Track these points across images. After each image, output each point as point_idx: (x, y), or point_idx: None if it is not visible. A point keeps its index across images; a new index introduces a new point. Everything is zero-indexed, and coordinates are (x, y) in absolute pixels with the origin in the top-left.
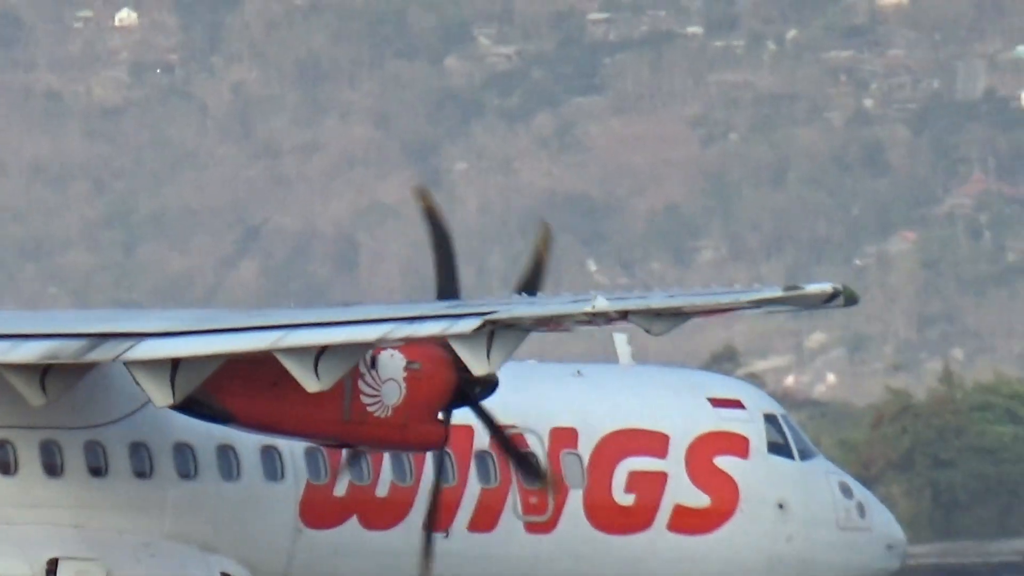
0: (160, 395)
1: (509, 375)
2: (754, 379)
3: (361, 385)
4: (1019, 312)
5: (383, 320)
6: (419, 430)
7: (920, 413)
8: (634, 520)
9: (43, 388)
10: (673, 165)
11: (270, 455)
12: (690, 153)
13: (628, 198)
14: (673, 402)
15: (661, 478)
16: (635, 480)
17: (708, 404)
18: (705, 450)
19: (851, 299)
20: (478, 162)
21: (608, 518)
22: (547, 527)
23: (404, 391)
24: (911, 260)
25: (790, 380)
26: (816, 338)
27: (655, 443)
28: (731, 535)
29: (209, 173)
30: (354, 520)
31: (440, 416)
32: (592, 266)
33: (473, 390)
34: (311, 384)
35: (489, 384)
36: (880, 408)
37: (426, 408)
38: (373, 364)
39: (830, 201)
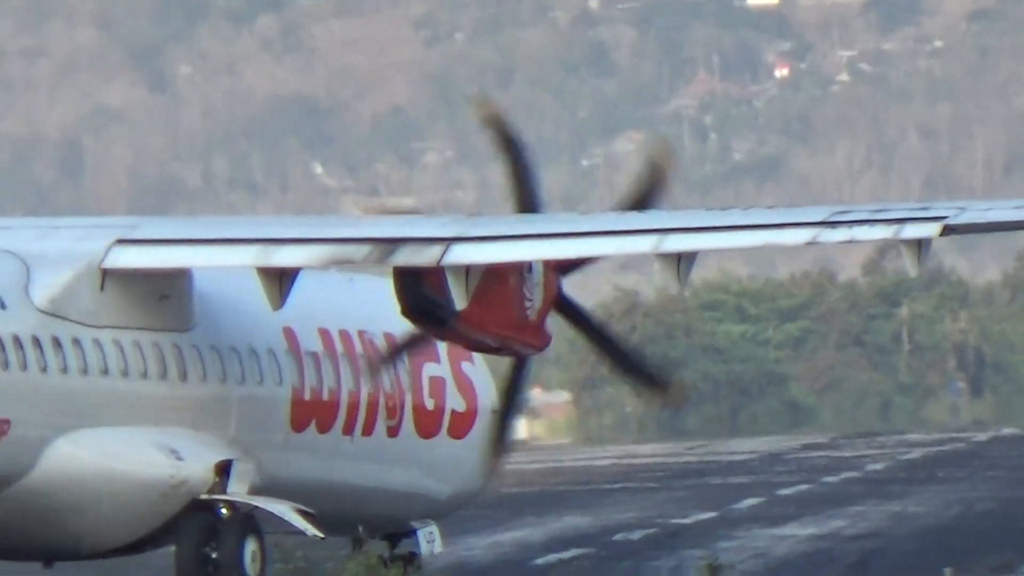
0: (460, 298)
1: (307, 282)
2: None
3: (524, 289)
4: None
5: (804, 224)
6: (542, 334)
7: (649, 312)
8: (433, 425)
9: (280, 293)
10: (397, 67)
11: (272, 358)
12: (414, 55)
13: (353, 100)
14: None
15: (443, 383)
16: (432, 385)
17: None
18: (454, 355)
19: None
20: (203, 64)
21: (422, 423)
22: (394, 431)
23: (542, 295)
24: (637, 160)
25: None
26: None
27: (432, 348)
28: (473, 440)
29: None
30: (313, 425)
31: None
32: (318, 168)
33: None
34: (675, 286)
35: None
36: (608, 306)
37: (546, 312)
38: (530, 268)
39: (556, 102)
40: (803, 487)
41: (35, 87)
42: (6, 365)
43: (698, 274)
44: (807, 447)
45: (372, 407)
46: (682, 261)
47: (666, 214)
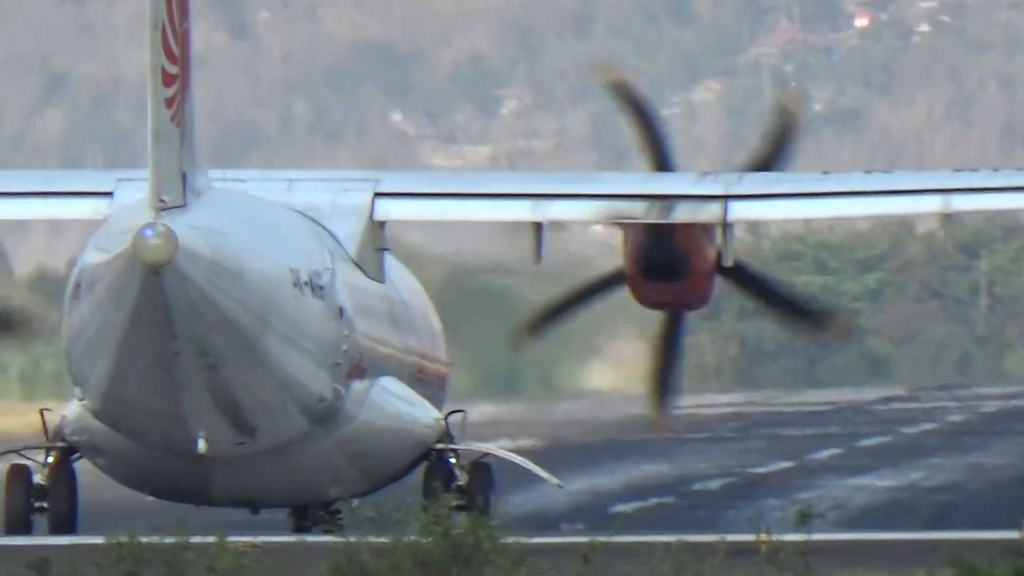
0: (730, 255)
1: None
2: None
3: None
4: (824, 160)
5: None
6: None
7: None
8: (429, 372)
9: (540, 247)
10: (478, 14)
11: (409, 309)
12: (495, 2)
13: (433, 47)
14: None
15: (434, 334)
16: (429, 334)
17: None
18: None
19: None
20: (283, 10)
21: (425, 369)
22: (421, 379)
23: (713, 253)
24: (716, 110)
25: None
26: None
27: (425, 298)
28: (443, 384)
29: (14, 20)
30: (416, 372)
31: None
32: (397, 115)
33: None
34: (950, 246)
35: None
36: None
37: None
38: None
39: (635, 51)
40: (881, 438)
41: (116, 31)
42: (369, 316)
43: (778, 224)
44: (885, 399)
45: (420, 355)
46: (948, 221)
47: (939, 174)
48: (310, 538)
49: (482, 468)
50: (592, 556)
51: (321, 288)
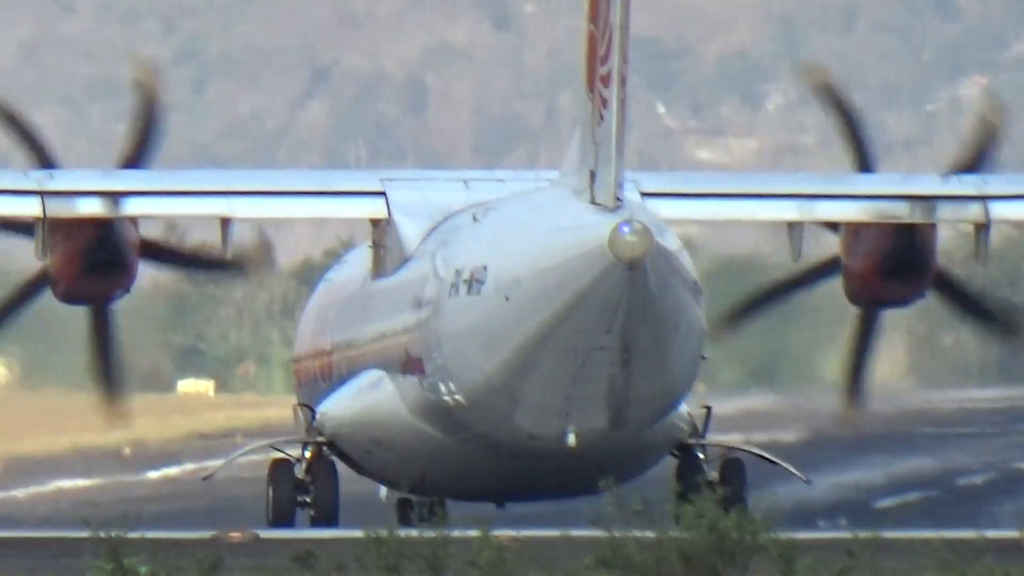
0: (982, 255)
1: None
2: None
3: None
4: None
5: None
6: None
7: (991, 255)
8: None
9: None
10: (742, 8)
11: None
12: None
13: (697, 42)
14: None
15: None
16: None
17: None
18: None
19: None
20: (548, 4)
21: None
22: None
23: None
24: (979, 108)
25: None
26: None
27: None
28: None
29: (279, 12)
30: None
31: None
32: (661, 108)
33: None
34: None
35: None
36: (950, 252)
37: None
38: None
39: (900, 46)
40: None
41: (380, 23)
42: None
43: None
44: None
45: None
46: None
47: None
48: (574, 532)
49: (735, 464)
50: (857, 552)
51: (698, 285)
